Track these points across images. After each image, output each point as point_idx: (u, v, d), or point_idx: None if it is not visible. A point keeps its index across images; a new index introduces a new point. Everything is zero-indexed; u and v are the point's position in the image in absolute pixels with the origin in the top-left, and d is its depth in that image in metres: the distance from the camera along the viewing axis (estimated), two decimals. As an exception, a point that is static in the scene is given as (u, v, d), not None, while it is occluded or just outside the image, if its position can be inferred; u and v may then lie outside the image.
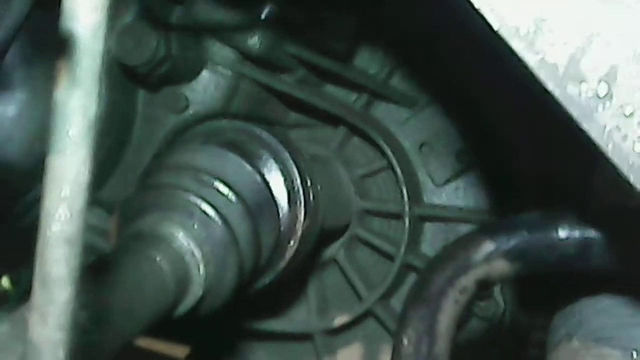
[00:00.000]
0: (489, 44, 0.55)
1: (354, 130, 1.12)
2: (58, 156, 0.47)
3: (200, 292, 0.86)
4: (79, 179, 0.48)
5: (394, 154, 1.10)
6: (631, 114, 0.52)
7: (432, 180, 1.12)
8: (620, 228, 0.74)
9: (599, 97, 0.52)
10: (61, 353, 0.49)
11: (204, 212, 0.88)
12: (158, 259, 0.82)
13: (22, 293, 1.01)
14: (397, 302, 1.13)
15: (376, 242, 1.13)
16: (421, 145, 1.12)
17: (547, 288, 0.87)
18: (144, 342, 1.23)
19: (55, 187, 0.47)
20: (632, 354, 0.70)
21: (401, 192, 1.10)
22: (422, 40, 1.06)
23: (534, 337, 0.93)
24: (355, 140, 1.14)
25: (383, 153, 1.10)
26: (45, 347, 0.48)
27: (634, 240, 0.72)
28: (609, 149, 0.52)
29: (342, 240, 1.15)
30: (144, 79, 1.03)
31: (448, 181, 1.12)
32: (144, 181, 0.97)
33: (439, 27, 1.03)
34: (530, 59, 0.53)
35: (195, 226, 0.87)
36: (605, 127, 0.52)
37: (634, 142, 0.52)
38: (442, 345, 0.77)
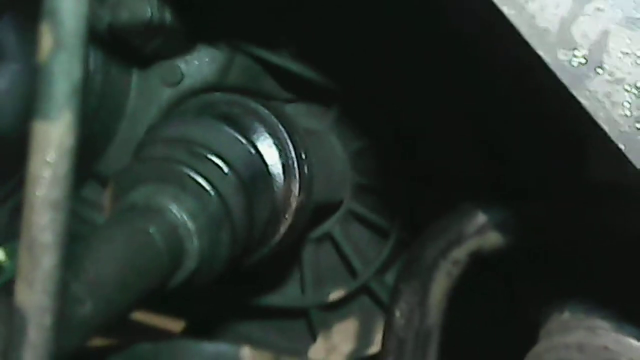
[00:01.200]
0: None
1: (350, 104, 1.12)
2: (43, 120, 0.47)
3: (194, 265, 0.86)
4: (64, 143, 0.47)
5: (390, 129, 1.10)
6: (622, 80, 0.51)
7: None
8: (613, 202, 0.73)
9: (590, 63, 0.52)
10: (48, 319, 0.49)
11: (198, 184, 0.88)
12: (151, 231, 0.82)
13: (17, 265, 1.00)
14: (392, 277, 1.13)
15: (371, 217, 1.13)
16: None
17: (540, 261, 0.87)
18: (139, 316, 1.24)
19: (40, 151, 0.47)
20: None
21: (396, 167, 1.10)
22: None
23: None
24: (351, 114, 1.13)
25: (378, 128, 1.10)
26: (32, 312, 0.48)
27: (626, 215, 0.72)
28: (600, 117, 0.52)
29: (337, 215, 1.14)
30: (138, 51, 1.02)
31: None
32: (137, 154, 0.97)
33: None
34: (522, 25, 0.52)
35: (189, 199, 0.87)
36: (596, 94, 0.52)
37: (624, 109, 0.51)
38: (434, 317, 0.77)
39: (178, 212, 0.85)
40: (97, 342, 0.90)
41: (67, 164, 0.47)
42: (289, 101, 1.13)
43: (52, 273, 0.48)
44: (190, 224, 0.85)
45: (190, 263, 0.86)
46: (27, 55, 0.94)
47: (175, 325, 1.28)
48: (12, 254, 0.97)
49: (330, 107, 1.13)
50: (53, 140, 0.47)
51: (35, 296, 0.48)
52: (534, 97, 0.83)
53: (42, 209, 0.47)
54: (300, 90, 1.12)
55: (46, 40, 0.46)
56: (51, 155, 0.47)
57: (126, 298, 0.78)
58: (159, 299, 0.88)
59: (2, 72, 0.93)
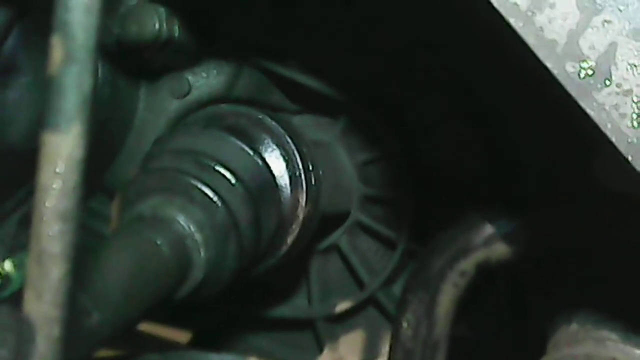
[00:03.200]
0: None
1: (357, 116, 1.12)
2: (53, 132, 0.47)
3: (201, 276, 0.86)
4: (74, 155, 0.48)
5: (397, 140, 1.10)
6: (629, 92, 0.51)
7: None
8: (618, 213, 0.73)
9: (597, 75, 0.52)
10: (56, 329, 0.49)
11: (205, 195, 0.88)
12: (159, 242, 0.82)
13: (24, 276, 1.00)
14: (399, 288, 1.13)
15: (378, 228, 1.13)
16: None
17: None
18: (146, 327, 1.24)
19: (50, 162, 0.47)
20: None
21: (403, 178, 1.10)
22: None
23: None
24: (358, 126, 1.14)
25: (385, 139, 1.10)
26: (40, 323, 0.48)
27: (632, 224, 0.72)
28: (607, 128, 0.52)
29: (344, 226, 1.14)
30: (147, 64, 1.02)
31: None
32: (145, 165, 0.97)
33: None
34: (529, 37, 0.52)
35: (196, 210, 0.87)
36: (603, 105, 0.52)
37: (632, 120, 0.51)
38: (441, 328, 0.77)
39: (185, 223, 0.85)
40: (105, 352, 0.91)
41: (77, 176, 0.47)
42: (296, 113, 1.14)
43: (60, 283, 0.48)
44: (197, 235, 0.85)
45: (197, 274, 0.86)
46: (37, 68, 0.94)
47: (182, 336, 1.28)
48: (20, 265, 0.97)
49: (337, 119, 1.13)
50: (63, 152, 0.47)
51: (44, 306, 0.48)
52: (544, 105, 0.83)
53: (51, 220, 0.47)
54: (308, 101, 1.12)
55: (57, 52, 0.46)
56: (61, 167, 0.47)
57: (133, 309, 0.78)
58: (167, 309, 0.88)
59: (12, 84, 0.93)
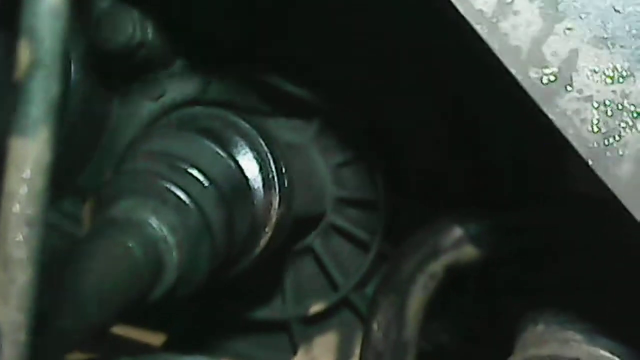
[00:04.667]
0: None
1: (331, 118, 1.12)
2: (20, 137, 0.47)
3: (174, 279, 0.86)
4: (41, 160, 0.47)
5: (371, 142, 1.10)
6: (590, 98, 0.52)
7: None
8: (585, 216, 0.74)
9: (559, 81, 0.53)
10: (23, 335, 0.49)
11: (178, 198, 0.88)
12: (131, 244, 0.82)
13: None
14: (372, 290, 1.13)
15: (352, 230, 1.14)
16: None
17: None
18: (119, 330, 1.23)
19: (17, 168, 0.47)
20: None
21: (377, 180, 1.10)
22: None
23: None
24: (332, 128, 1.14)
25: (359, 141, 1.10)
26: (6, 328, 0.48)
27: (599, 227, 0.73)
28: (569, 133, 0.53)
29: (318, 228, 1.15)
30: (120, 66, 1.02)
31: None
32: (118, 167, 0.97)
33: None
34: (494, 43, 0.53)
35: (169, 212, 0.87)
36: (565, 111, 0.53)
37: (592, 125, 0.52)
38: (411, 330, 0.78)
39: (158, 225, 0.85)
40: (77, 356, 0.90)
41: (43, 181, 0.47)
42: (270, 115, 1.14)
43: (27, 289, 0.48)
44: (169, 238, 0.85)
45: (169, 276, 0.86)
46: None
47: (155, 339, 1.27)
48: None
49: (311, 121, 1.13)
50: (29, 157, 0.47)
51: (9, 312, 0.48)
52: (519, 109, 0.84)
53: (17, 226, 0.47)
54: (281, 104, 1.13)
55: (24, 57, 0.46)
56: (27, 173, 0.47)
57: (105, 312, 0.78)
58: (140, 312, 0.88)
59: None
